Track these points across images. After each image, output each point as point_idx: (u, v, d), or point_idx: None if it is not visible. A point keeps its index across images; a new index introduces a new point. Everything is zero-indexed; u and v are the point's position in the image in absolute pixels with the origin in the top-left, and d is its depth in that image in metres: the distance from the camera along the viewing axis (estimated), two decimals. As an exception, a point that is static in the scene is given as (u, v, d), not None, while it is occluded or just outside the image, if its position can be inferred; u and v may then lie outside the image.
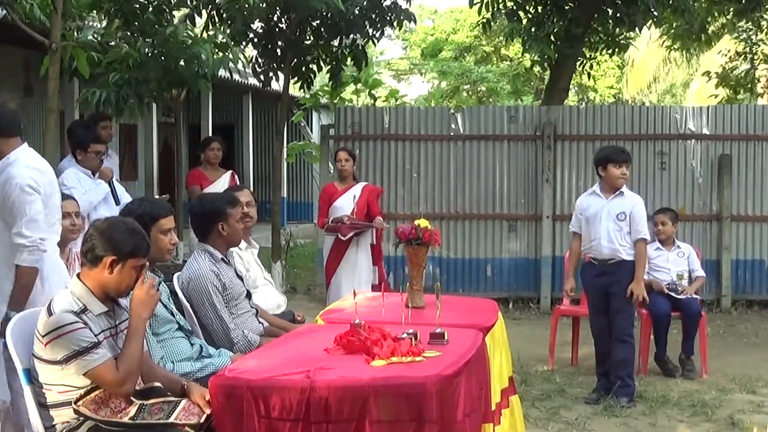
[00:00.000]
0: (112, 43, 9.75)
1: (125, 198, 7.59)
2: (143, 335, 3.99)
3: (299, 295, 11.98)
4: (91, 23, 11.34)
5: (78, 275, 3.96)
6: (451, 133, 11.91)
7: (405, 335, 4.23)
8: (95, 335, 3.78)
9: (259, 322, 5.51)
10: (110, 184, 7.73)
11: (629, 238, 7.12)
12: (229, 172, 9.73)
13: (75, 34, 8.85)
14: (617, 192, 7.22)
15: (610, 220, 7.14)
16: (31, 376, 3.86)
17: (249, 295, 5.54)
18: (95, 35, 9.52)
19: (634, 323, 7.46)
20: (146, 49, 9.19)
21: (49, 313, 3.78)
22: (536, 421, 6.59)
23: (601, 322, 7.31)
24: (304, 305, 10.55)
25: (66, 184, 7.25)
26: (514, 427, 5.18)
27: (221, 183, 9.31)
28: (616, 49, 13.44)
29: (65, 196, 5.87)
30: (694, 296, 8.18)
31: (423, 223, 5.66)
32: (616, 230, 7.12)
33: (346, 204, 9.01)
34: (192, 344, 4.79)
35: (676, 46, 16.25)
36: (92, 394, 3.77)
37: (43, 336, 3.74)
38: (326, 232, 9.22)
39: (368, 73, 17.94)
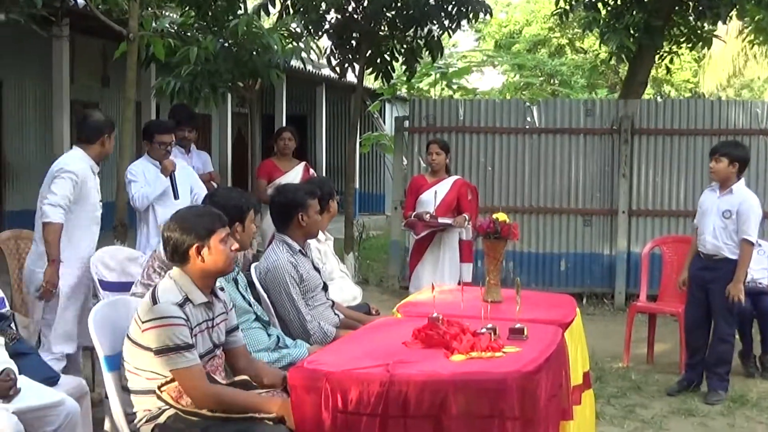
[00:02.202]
0: (188, 34, 9.79)
1: (198, 189, 7.40)
2: (253, 409, 3.79)
3: (371, 286, 11.96)
4: (167, 13, 11.42)
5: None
6: (527, 126, 11.77)
7: (484, 330, 4.20)
8: (191, 329, 3.79)
9: (335, 314, 5.51)
10: (171, 177, 7.19)
11: (735, 237, 7.00)
12: (303, 164, 9.58)
13: (152, 23, 8.87)
14: (728, 189, 7.11)
15: (717, 216, 7.08)
16: (121, 358, 3.86)
17: (325, 287, 5.55)
18: (172, 24, 9.56)
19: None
20: (218, 42, 9.16)
21: (154, 300, 3.80)
22: (612, 419, 6.51)
23: (695, 313, 7.28)
24: (376, 297, 10.54)
25: (132, 172, 7.20)
26: (585, 423, 5.10)
27: (293, 174, 9.20)
28: (699, 43, 13.14)
29: None
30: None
31: (501, 216, 5.62)
32: (721, 227, 7.03)
33: (431, 198, 8.49)
34: (269, 335, 4.81)
35: (759, 40, 15.81)
36: (176, 382, 3.78)
37: (143, 322, 3.75)
38: (404, 227, 8.97)
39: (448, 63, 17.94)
